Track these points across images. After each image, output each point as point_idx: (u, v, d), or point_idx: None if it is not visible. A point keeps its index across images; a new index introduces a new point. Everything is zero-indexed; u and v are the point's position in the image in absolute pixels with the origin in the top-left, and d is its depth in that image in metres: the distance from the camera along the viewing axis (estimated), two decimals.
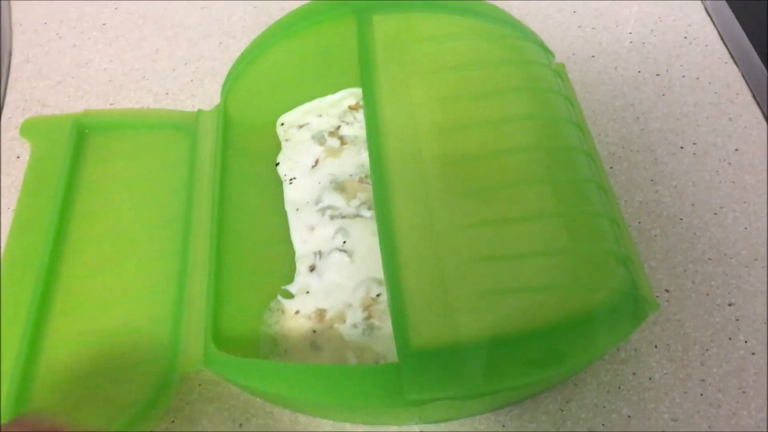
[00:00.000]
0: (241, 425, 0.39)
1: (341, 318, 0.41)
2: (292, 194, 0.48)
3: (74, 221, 0.46)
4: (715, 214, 0.48)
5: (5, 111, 0.56)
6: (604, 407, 0.40)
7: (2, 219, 0.49)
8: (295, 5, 0.51)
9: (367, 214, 0.46)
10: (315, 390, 0.33)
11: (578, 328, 0.33)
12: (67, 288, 0.43)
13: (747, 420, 0.39)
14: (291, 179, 0.49)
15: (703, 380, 0.41)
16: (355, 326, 0.41)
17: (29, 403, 0.37)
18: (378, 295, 0.42)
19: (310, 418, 0.40)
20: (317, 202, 0.47)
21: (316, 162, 0.49)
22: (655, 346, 0.42)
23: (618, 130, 0.53)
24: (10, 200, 0.50)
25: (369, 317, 0.41)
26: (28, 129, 0.51)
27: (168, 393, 0.36)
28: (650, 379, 0.41)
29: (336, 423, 0.39)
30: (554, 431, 0.39)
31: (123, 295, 0.42)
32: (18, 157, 0.53)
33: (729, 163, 0.50)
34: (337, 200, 0.47)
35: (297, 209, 0.47)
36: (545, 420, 0.39)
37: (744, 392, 0.40)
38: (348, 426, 0.39)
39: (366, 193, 0.47)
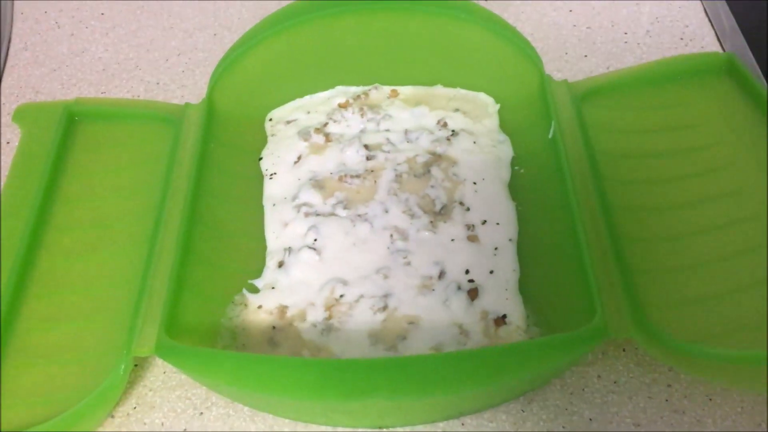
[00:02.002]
0: (201, 414, 0.39)
1: (302, 316, 0.41)
2: (271, 189, 0.48)
3: (56, 206, 0.46)
4: None
5: None
6: (566, 409, 0.39)
7: None
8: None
9: (342, 213, 0.46)
10: (250, 380, 0.33)
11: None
12: (43, 271, 0.43)
13: (711, 428, 0.38)
14: (272, 174, 0.49)
15: (669, 386, 0.40)
16: (314, 325, 0.41)
17: (2, 386, 0.38)
18: (341, 296, 0.42)
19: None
20: (294, 198, 0.47)
21: (299, 158, 0.49)
22: (623, 350, 0.41)
23: None
24: None
25: (330, 317, 0.41)
26: (21, 115, 0.51)
27: (120, 377, 0.36)
28: (615, 382, 0.40)
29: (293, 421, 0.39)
30: (513, 431, 0.39)
31: (95, 280, 0.43)
32: (8, 142, 0.54)
33: None
34: (313, 197, 0.47)
35: (274, 204, 0.47)
36: (505, 420, 0.39)
37: (711, 399, 0.39)
38: (301, 426, 0.39)
39: (344, 192, 0.47)
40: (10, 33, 0.63)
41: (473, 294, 0.42)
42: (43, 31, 0.63)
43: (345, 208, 0.46)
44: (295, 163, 0.49)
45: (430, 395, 0.34)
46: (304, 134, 0.50)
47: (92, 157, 0.50)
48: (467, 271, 0.43)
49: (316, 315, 0.41)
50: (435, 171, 0.48)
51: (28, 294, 0.42)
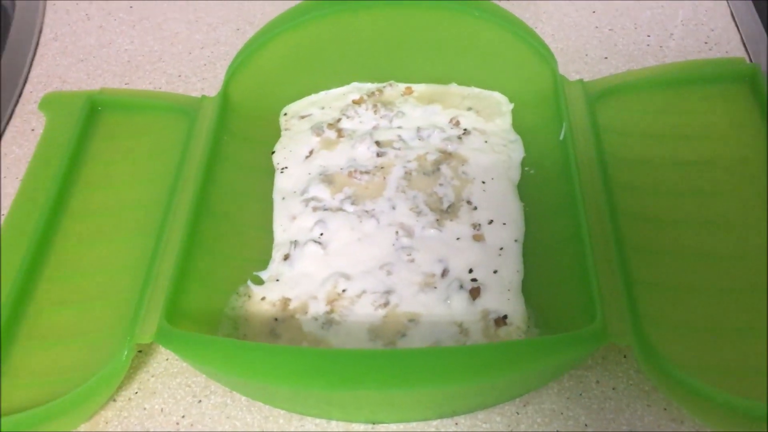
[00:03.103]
0: (200, 401, 0.40)
1: (304, 309, 0.42)
2: (281, 183, 0.49)
3: (74, 193, 0.48)
4: None
5: (27, 85, 0.59)
6: (562, 414, 0.39)
7: (10, 189, 0.52)
8: None
9: (350, 208, 0.46)
10: (241, 366, 0.34)
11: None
12: (57, 256, 0.45)
13: None
14: (283, 168, 0.49)
15: None
16: (315, 318, 0.41)
17: (9, 366, 0.39)
18: (344, 290, 0.42)
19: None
20: (303, 192, 0.47)
21: (311, 153, 0.50)
22: (624, 356, 0.41)
23: None
24: (21, 170, 0.52)
25: (331, 311, 0.41)
26: (46, 103, 0.53)
27: (123, 363, 0.37)
28: (614, 389, 0.40)
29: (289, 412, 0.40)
30: None
31: (105, 266, 0.44)
32: (33, 129, 0.55)
33: None
34: (322, 192, 0.47)
35: (283, 198, 0.48)
36: (500, 421, 0.39)
37: None
38: (296, 417, 0.40)
39: (353, 187, 0.47)
40: (42, 24, 0.64)
41: (475, 293, 0.42)
42: (73, 22, 0.64)
43: (353, 203, 0.46)
44: (307, 157, 0.50)
45: (421, 388, 0.34)
46: (317, 129, 0.51)
47: (111, 146, 0.51)
48: (471, 270, 0.43)
49: (317, 308, 0.42)
50: (444, 169, 0.48)
51: (41, 277, 0.43)
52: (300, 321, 0.41)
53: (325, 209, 0.46)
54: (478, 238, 0.44)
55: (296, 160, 0.50)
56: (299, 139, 0.51)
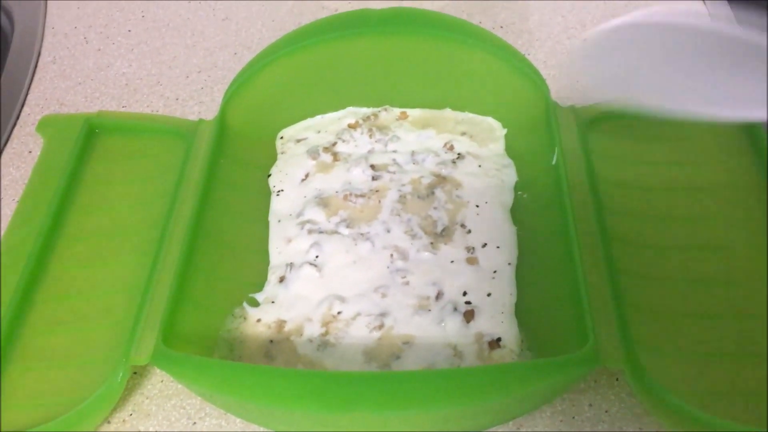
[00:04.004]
0: (194, 423, 0.40)
1: (299, 331, 0.42)
2: (277, 205, 0.49)
3: (71, 215, 0.48)
4: None
5: (25, 108, 0.59)
6: None
7: (7, 210, 0.52)
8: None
9: (345, 231, 0.46)
10: (236, 388, 0.34)
11: None
12: (53, 277, 0.45)
13: None
14: (279, 191, 0.50)
15: None
16: (310, 340, 0.41)
17: (4, 387, 0.39)
18: (339, 313, 0.42)
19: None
20: (299, 215, 0.48)
21: (306, 176, 0.50)
22: (617, 379, 0.41)
23: None
24: (18, 192, 0.53)
25: (326, 333, 0.42)
26: (44, 126, 0.54)
27: (118, 384, 0.37)
28: (607, 411, 0.40)
29: None
30: None
31: (101, 288, 0.44)
32: (30, 151, 0.56)
33: None
34: (318, 215, 0.48)
35: (279, 220, 0.48)
36: None
37: None
38: None
39: (348, 210, 0.48)
40: (40, 47, 0.65)
41: (469, 316, 0.42)
42: (72, 45, 0.65)
43: (348, 226, 0.47)
44: (303, 180, 0.50)
45: (416, 410, 0.34)
46: (313, 153, 0.51)
47: (109, 168, 0.51)
48: (465, 293, 0.43)
49: (312, 330, 0.42)
50: (439, 193, 0.48)
51: (37, 299, 0.44)
52: (295, 343, 0.41)
53: (321, 232, 0.47)
54: (472, 261, 0.45)
55: (292, 183, 0.50)
56: (295, 162, 0.51)
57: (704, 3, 0.62)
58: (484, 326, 0.42)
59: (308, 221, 0.47)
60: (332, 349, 0.41)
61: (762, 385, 0.38)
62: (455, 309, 0.42)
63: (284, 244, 0.47)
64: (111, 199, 0.49)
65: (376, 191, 0.49)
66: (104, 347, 0.40)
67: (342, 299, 0.43)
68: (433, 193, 0.48)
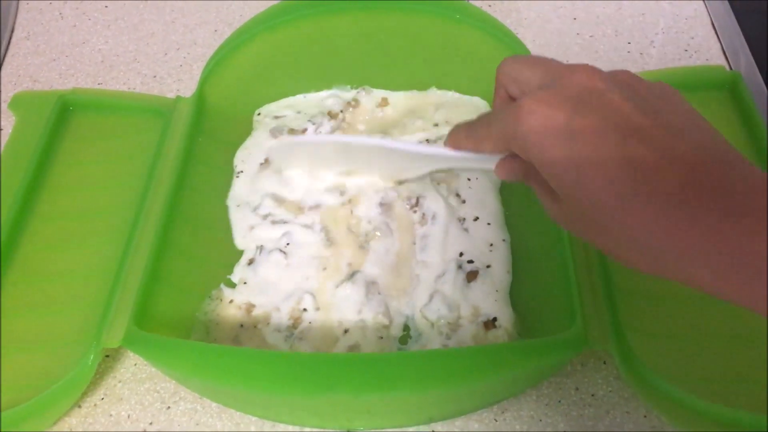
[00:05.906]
0: (168, 408, 0.39)
1: (266, 319, 0.40)
2: (236, 189, 0.47)
3: (43, 195, 0.46)
4: None
5: None
6: (541, 420, 0.38)
7: None
8: None
9: (317, 227, 0.45)
10: (210, 370, 0.32)
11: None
12: (23, 259, 0.43)
13: None
14: (239, 172, 0.48)
15: None
16: (278, 330, 0.40)
17: None
18: (304, 310, 0.41)
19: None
20: (256, 208, 0.46)
21: (265, 160, 0.48)
22: (604, 362, 0.40)
23: None
24: None
25: (294, 326, 0.40)
26: (17, 103, 0.52)
27: (88, 368, 0.36)
28: (593, 395, 0.39)
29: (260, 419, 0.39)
30: None
31: (73, 270, 0.42)
32: (1, 129, 0.54)
33: None
34: (276, 209, 0.46)
35: (238, 205, 0.46)
36: (477, 428, 0.38)
37: None
38: (268, 425, 0.39)
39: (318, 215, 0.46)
40: (14, 23, 0.63)
41: (471, 276, 0.41)
42: (46, 21, 0.63)
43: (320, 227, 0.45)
44: (261, 164, 0.48)
45: (395, 392, 0.33)
46: (276, 132, 0.49)
47: (83, 147, 0.50)
48: (461, 254, 0.43)
49: (280, 320, 0.40)
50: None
51: (6, 281, 0.42)
52: (263, 332, 0.40)
53: (286, 222, 0.45)
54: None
55: (252, 166, 0.48)
56: (258, 141, 0.49)
57: (704, 3, 0.60)
58: (479, 300, 0.41)
59: (269, 214, 0.45)
60: (301, 342, 0.40)
61: (749, 369, 0.37)
62: (459, 267, 0.42)
63: (247, 231, 0.45)
64: (85, 179, 0.48)
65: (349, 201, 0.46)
66: (76, 330, 0.39)
67: (312, 294, 0.41)
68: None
